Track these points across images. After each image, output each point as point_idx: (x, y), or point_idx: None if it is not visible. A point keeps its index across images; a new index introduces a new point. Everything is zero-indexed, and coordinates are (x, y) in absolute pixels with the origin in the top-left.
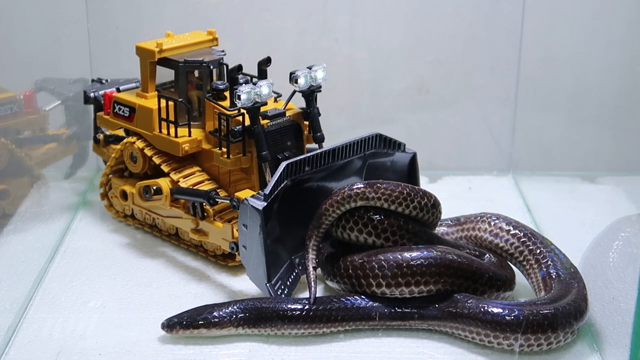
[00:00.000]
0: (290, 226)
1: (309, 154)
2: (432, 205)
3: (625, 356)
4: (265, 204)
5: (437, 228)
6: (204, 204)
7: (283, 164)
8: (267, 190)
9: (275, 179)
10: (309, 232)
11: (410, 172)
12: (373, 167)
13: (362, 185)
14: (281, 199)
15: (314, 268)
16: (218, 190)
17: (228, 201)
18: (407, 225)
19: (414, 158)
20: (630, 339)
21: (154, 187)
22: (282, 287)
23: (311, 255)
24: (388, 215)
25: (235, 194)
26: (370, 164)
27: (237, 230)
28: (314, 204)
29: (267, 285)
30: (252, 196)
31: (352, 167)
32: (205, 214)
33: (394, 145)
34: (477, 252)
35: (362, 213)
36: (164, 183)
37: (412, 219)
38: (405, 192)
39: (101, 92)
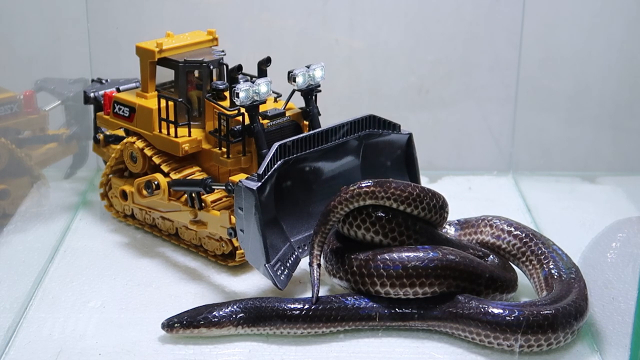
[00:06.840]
0: (288, 208)
1: (302, 135)
2: (441, 207)
3: (625, 356)
4: (259, 184)
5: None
6: (200, 193)
7: (275, 145)
8: (260, 171)
9: (268, 159)
10: (316, 228)
11: (408, 153)
12: (370, 148)
13: (372, 184)
14: (278, 181)
15: (318, 265)
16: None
17: (223, 187)
18: (415, 226)
19: (410, 139)
20: (630, 339)
21: (155, 182)
22: (282, 268)
23: (316, 252)
24: (396, 215)
25: (230, 178)
26: (366, 145)
27: (234, 216)
28: (312, 186)
29: (266, 266)
30: (246, 178)
31: (348, 148)
32: (202, 204)
33: (389, 126)
34: (480, 253)
35: (369, 211)
36: (160, 177)
37: (420, 219)
38: (415, 192)
39: (101, 92)
